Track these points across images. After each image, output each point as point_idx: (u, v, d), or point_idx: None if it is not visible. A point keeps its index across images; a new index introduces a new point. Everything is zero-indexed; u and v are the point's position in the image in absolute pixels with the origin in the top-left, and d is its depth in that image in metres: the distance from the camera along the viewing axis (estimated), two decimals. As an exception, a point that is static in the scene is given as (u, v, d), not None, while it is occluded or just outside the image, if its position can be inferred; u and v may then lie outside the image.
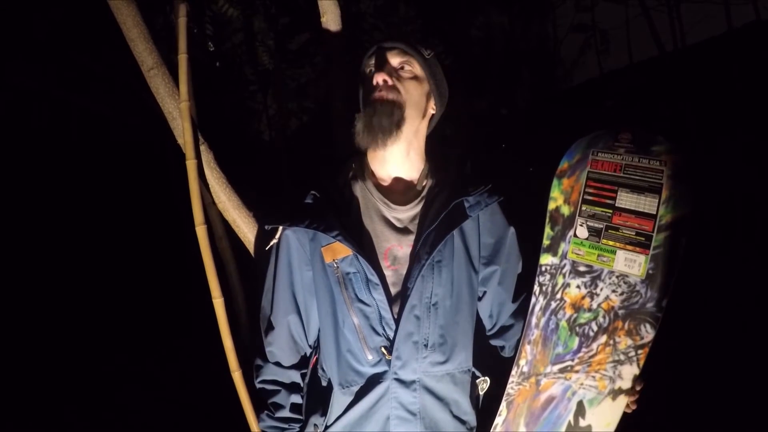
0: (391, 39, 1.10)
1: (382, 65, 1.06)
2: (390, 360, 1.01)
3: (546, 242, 1.07)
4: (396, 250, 1.05)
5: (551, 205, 1.07)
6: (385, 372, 1.01)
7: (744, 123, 3.75)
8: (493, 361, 1.14)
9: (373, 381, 1.02)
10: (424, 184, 1.11)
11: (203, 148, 1.27)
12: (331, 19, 1.37)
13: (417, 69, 1.08)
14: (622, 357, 0.97)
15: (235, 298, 1.40)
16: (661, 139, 0.98)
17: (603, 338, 0.99)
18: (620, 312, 0.98)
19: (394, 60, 1.07)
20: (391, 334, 1.01)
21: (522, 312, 1.11)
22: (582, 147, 1.06)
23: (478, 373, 1.10)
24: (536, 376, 1.04)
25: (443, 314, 1.04)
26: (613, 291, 0.99)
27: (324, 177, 1.13)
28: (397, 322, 1.01)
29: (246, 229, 1.33)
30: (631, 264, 0.98)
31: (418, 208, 1.08)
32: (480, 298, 1.12)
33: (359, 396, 1.02)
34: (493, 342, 1.16)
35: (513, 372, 1.07)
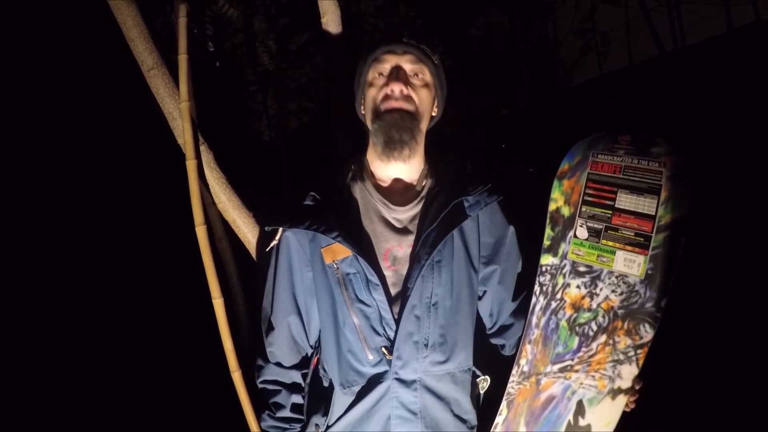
0: (400, 41, 1.06)
1: (398, 72, 1.04)
2: (391, 360, 1.01)
3: (546, 243, 1.08)
4: (396, 250, 1.05)
5: (552, 206, 1.08)
6: (385, 372, 1.02)
7: (744, 123, 3.75)
8: (493, 360, 1.14)
9: (374, 381, 1.02)
10: (423, 184, 1.11)
11: (203, 148, 1.27)
12: (331, 19, 1.38)
13: (428, 77, 1.07)
14: (621, 356, 0.97)
15: (235, 299, 1.40)
16: (660, 141, 0.98)
17: (603, 338, 0.99)
18: (620, 312, 0.98)
19: (408, 66, 1.05)
20: (391, 334, 1.02)
21: (522, 311, 1.11)
22: (582, 149, 1.06)
23: (478, 372, 1.11)
24: (536, 376, 1.05)
25: (443, 314, 1.04)
26: (613, 291, 0.99)
27: (323, 178, 1.13)
28: (397, 322, 1.01)
29: (246, 230, 1.33)
30: (631, 264, 0.98)
31: (418, 209, 1.08)
32: (480, 298, 1.13)
33: (360, 396, 1.03)
34: (494, 341, 1.17)
35: (513, 371, 1.08)
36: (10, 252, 5.33)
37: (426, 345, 1.02)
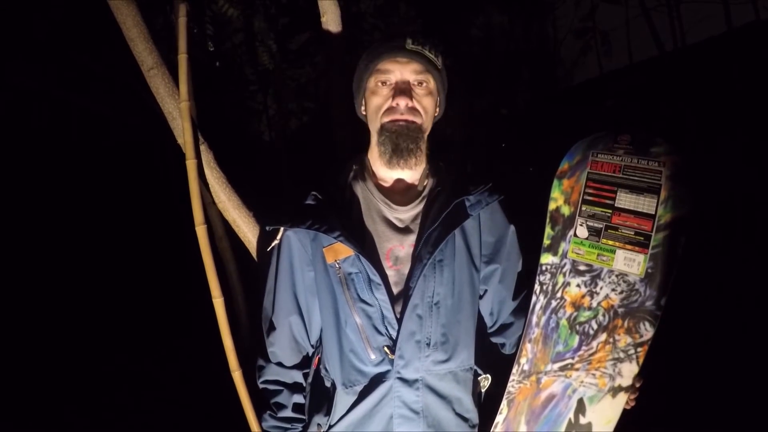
0: (404, 47, 1.03)
1: (403, 85, 1.03)
2: (393, 359, 1.01)
3: (546, 242, 1.08)
4: (398, 250, 1.05)
5: (552, 206, 1.08)
6: (388, 371, 1.02)
7: (744, 123, 3.75)
8: (494, 359, 1.14)
9: (376, 380, 1.02)
10: (425, 184, 1.11)
11: (203, 148, 1.27)
12: (331, 19, 1.38)
13: (432, 84, 1.06)
14: (621, 355, 0.97)
15: (235, 298, 1.40)
16: (660, 141, 0.98)
17: (603, 336, 0.99)
18: (620, 310, 0.98)
19: (412, 76, 1.04)
20: (393, 334, 1.02)
21: (522, 309, 1.11)
22: (582, 148, 1.06)
23: (479, 371, 1.11)
24: (537, 375, 1.05)
25: (445, 313, 1.04)
26: (613, 290, 0.99)
27: (325, 177, 1.13)
28: (399, 321, 1.01)
29: (246, 229, 1.33)
30: (631, 263, 0.98)
31: (419, 208, 1.08)
32: (481, 297, 1.13)
33: (362, 395, 1.03)
34: (494, 339, 1.17)
35: (514, 370, 1.08)
36: (10, 252, 5.34)
37: (428, 344, 1.03)
